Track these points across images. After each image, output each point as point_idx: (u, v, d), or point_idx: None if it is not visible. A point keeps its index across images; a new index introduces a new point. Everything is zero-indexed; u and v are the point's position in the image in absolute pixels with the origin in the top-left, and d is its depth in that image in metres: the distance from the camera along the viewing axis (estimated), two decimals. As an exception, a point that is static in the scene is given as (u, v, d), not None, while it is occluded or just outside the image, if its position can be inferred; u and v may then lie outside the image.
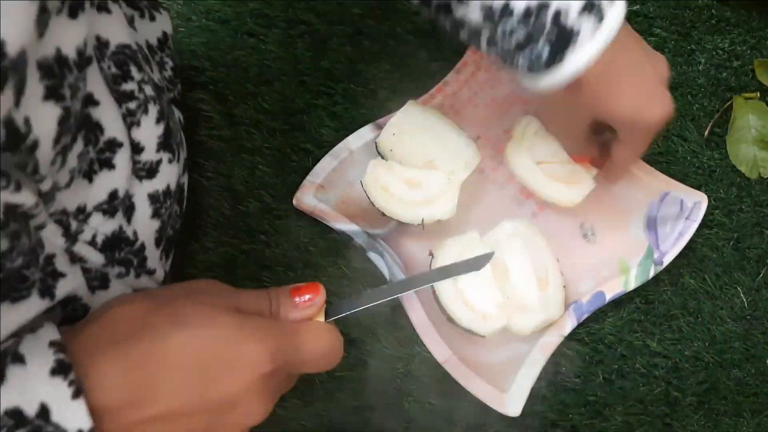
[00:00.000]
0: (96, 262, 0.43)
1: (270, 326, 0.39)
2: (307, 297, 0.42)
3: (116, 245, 0.44)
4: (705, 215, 0.60)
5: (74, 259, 0.41)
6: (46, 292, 0.38)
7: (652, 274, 0.58)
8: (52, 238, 0.39)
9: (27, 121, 0.32)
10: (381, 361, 0.57)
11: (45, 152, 0.34)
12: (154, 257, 0.48)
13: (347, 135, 0.61)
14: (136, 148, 0.45)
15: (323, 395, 0.57)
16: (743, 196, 0.62)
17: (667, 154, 0.63)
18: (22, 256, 0.35)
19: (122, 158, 0.43)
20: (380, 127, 0.61)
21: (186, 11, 0.67)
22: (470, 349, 0.57)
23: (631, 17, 0.67)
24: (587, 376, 0.57)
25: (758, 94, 0.64)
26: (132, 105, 0.44)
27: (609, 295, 0.57)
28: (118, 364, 0.35)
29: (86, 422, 0.33)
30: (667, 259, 0.58)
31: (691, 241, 0.60)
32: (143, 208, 0.46)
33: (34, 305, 0.37)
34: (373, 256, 0.58)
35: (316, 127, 0.63)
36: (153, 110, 0.46)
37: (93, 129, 0.41)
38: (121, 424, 0.35)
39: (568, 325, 0.57)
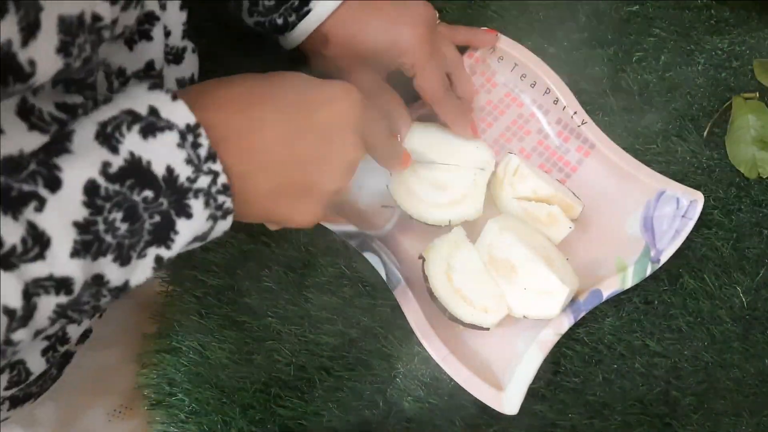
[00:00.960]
0: None
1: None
2: None
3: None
4: (704, 215, 0.60)
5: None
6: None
7: (649, 272, 0.58)
8: (100, 88, 0.42)
9: None
10: (381, 361, 0.57)
11: None
12: None
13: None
14: (165, 32, 0.47)
15: (323, 395, 0.57)
16: (742, 196, 0.62)
17: (667, 154, 0.63)
18: (81, 91, 0.40)
19: (158, 33, 0.45)
20: None
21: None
22: (468, 348, 0.57)
23: (630, 17, 0.67)
24: (587, 375, 0.57)
25: (757, 95, 0.64)
26: None
27: (606, 294, 0.57)
28: (226, 101, 0.41)
29: (191, 117, 0.37)
30: (664, 258, 0.58)
31: (690, 241, 0.60)
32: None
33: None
34: (369, 256, 0.58)
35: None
36: None
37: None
38: (234, 150, 0.40)
39: (565, 323, 0.57)
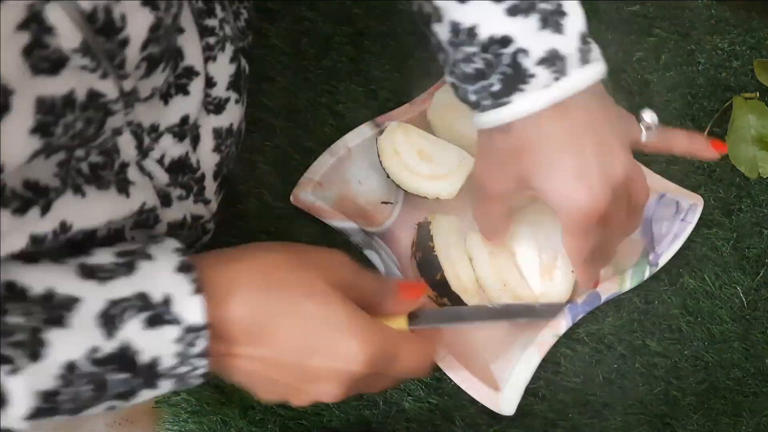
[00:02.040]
0: (161, 180, 0.46)
1: (377, 331, 0.42)
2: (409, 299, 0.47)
3: (181, 169, 0.47)
4: (704, 215, 0.60)
5: (144, 173, 0.44)
6: (123, 190, 0.41)
7: (647, 275, 0.58)
8: (127, 148, 0.42)
9: (123, 17, 0.34)
10: (381, 360, 0.57)
11: (133, 52, 0.36)
12: (210, 188, 0.51)
13: (348, 134, 0.62)
14: (209, 82, 0.47)
15: (323, 394, 0.57)
16: (742, 196, 0.62)
17: (667, 154, 0.63)
18: (101, 154, 0.40)
19: (196, 87, 0.45)
20: (378, 125, 0.61)
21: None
22: (466, 348, 0.57)
23: (630, 17, 0.67)
24: (587, 375, 0.57)
25: (757, 94, 0.64)
26: (211, 40, 0.47)
27: (604, 296, 0.57)
28: (251, 301, 0.40)
29: (201, 318, 0.37)
30: (662, 261, 0.58)
31: (690, 240, 0.60)
32: (207, 140, 0.49)
33: (113, 199, 0.40)
34: (369, 253, 0.58)
35: (319, 125, 0.63)
36: (228, 49, 0.49)
37: (175, 54, 0.43)
38: (231, 352, 0.40)
39: (563, 325, 0.57)
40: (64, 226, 0.37)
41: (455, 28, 0.43)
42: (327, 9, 0.67)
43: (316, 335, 0.40)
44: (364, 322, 0.41)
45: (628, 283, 0.58)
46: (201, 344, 0.37)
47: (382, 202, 0.60)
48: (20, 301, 0.34)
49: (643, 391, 0.57)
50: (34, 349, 0.34)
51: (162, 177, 0.46)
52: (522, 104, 0.42)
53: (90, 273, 0.37)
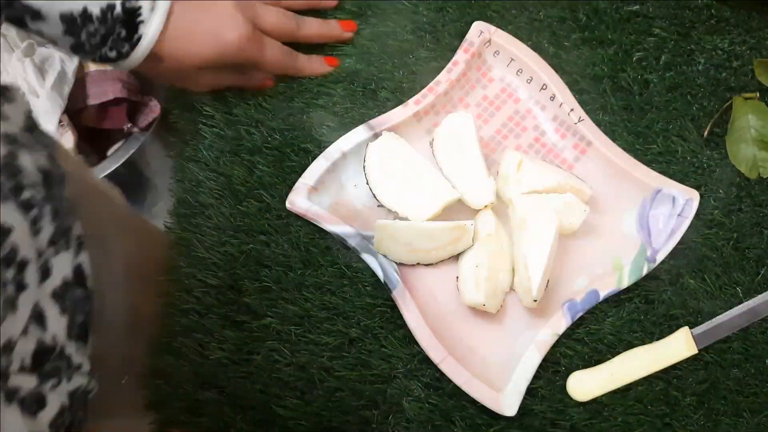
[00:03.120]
0: (29, 385, 0.43)
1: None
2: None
3: (42, 357, 0.44)
4: (704, 215, 0.60)
5: (10, 397, 0.41)
6: None
7: (645, 271, 0.58)
8: None
9: None
10: (381, 360, 0.57)
11: None
12: (73, 351, 0.48)
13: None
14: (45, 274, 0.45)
15: (323, 395, 0.57)
16: (743, 196, 0.62)
17: (667, 154, 0.63)
18: None
19: (31, 276, 0.43)
20: (372, 128, 0.61)
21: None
22: (466, 350, 0.57)
23: (630, 17, 0.67)
24: (587, 375, 0.57)
25: (758, 94, 0.64)
26: None
27: (603, 293, 0.57)
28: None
29: None
30: (660, 257, 0.58)
31: (691, 240, 0.60)
32: (50, 308, 0.46)
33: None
34: (366, 257, 0.58)
35: (317, 126, 0.63)
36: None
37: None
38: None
39: (563, 324, 0.57)
40: None
41: (68, 18, 0.51)
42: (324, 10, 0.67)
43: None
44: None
45: (626, 280, 0.58)
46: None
47: (378, 206, 0.60)
48: None
49: (642, 391, 0.57)
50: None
51: (29, 383, 0.43)
52: (151, 30, 0.55)
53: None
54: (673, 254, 0.59)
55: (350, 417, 0.56)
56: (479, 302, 0.56)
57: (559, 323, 0.57)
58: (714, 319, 0.57)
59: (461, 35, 0.65)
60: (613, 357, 0.57)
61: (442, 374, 0.55)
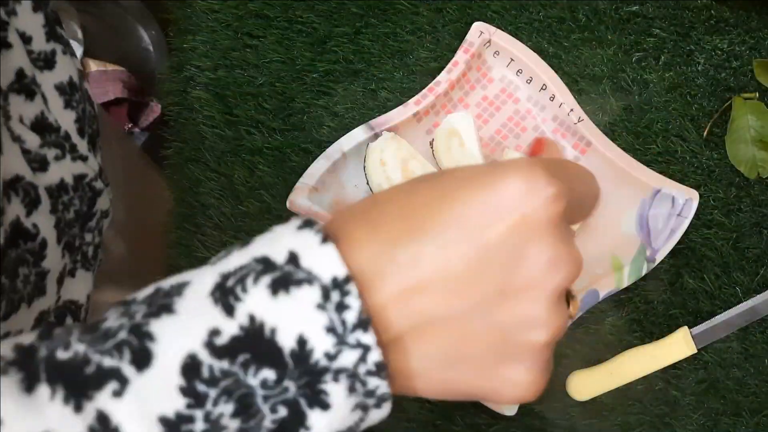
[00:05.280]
0: (33, 143, 0.42)
1: (522, 161, 0.30)
2: None
3: (45, 128, 0.44)
4: (704, 215, 0.60)
5: (13, 137, 0.40)
6: None
7: (644, 271, 0.58)
8: None
9: None
10: (381, 360, 0.57)
11: None
12: (82, 146, 0.47)
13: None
14: (24, 38, 0.43)
15: (323, 395, 0.57)
16: (742, 196, 0.62)
17: (666, 154, 0.63)
18: None
19: (14, 36, 0.41)
20: (373, 129, 0.61)
21: (186, 12, 0.68)
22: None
23: (630, 17, 0.67)
24: (587, 375, 0.57)
25: (757, 95, 0.64)
26: None
27: (602, 293, 0.58)
28: (369, 223, 0.29)
29: (340, 268, 0.27)
30: (659, 257, 0.58)
31: (690, 241, 0.60)
32: (54, 99, 0.46)
33: None
34: None
35: (317, 127, 0.63)
36: (26, 1, 0.43)
37: None
38: (385, 294, 0.28)
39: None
40: None
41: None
42: (324, 10, 0.67)
43: (464, 206, 0.28)
44: (503, 163, 0.29)
45: (626, 280, 0.58)
46: (354, 304, 0.26)
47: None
48: (124, 305, 0.28)
49: (642, 390, 0.57)
50: (141, 346, 0.25)
51: (32, 138, 0.42)
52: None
53: (201, 263, 0.29)
54: (672, 254, 0.59)
55: (350, 417, 0.56)
56: None
57: (559, 323, 0.57)
58: (713, 319, 0.57)
59: (461, 35, 0.65)
60: (613, 357, 0.57)
61: (442, 374, 0.55)
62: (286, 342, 0.26)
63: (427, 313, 0.28)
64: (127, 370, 0.25)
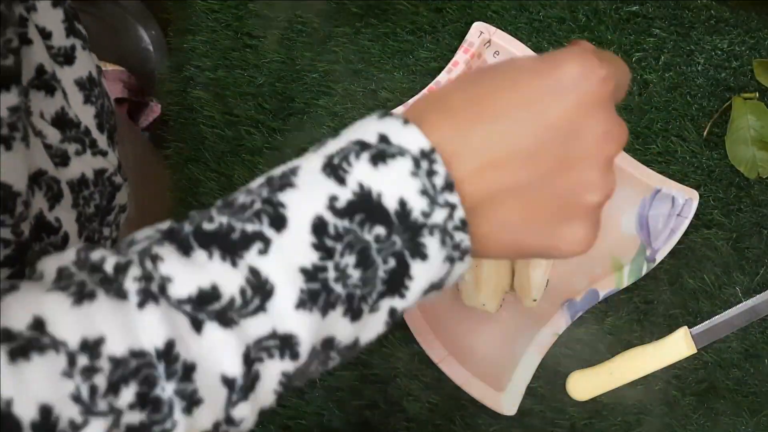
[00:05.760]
0: (54, 138, 0.43)
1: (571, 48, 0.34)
2: None
3: (65, 124, 0.44)
4: (704, 215, 0.60)
5: (35, 132, 0.41)
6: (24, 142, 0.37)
7: (644, 271, 0.58)
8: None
9: None
10: (381, 360, 0.57)
11: None
12: (102, 141, 0.48)
13: (347, 135, 0.62)
14: (44, 33, 0.44)
15: (323, 395, 0.57)
16: (742, 196, 0.62)
17: (666, 154, 0.63)
18: None
19: (33, 32, 0.42)
20: None
21: (186, 12, 0.68)
22: (466, 349, 0.57)
23: (630, 17, 0.67)
24: (587, 375, 0.57)
25: (757, 95, 0.64)
26: None
27: (602, 293, 0.58)
28: (442, 111, 0.33)
29: (425, 142, 0.32)
30: (659, 256, 0.58)
31: (690, 240, 0.60)
32: (74, 94, 0.46)
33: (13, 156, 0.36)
34: None
35: (317, 127, 0.63)
36: None
37: None
38: (466, 171, 0.32)
39: (563, 323, 0.57)
40: None
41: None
42: (324, 10, 0.67)
43: (527, 90, 0.33)
44: (559, 52, 0.34)
45: (626, 280, 0.58)
46: (440, 170, 0.31)
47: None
48: (244, 191, 0.32)
49: (642, 391, 0.57)
50: (276, 213, 0.30)
51: (53, 134, 0.43)
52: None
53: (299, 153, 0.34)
54: (672, 254, 0.59)
55: (350, 416, 0.56)
56: (479, 302, 0.56)
57: (559, 323, 0.57)
58: (713, 319, 0.57)
59: (461, 36, 0.65)
60: (613, 357, 0.57)
61: (442, 374, 0.55)
62: (390, 204, 0.31)
63: (498, 185, 0.33)
64: (268, 232, 0.30)
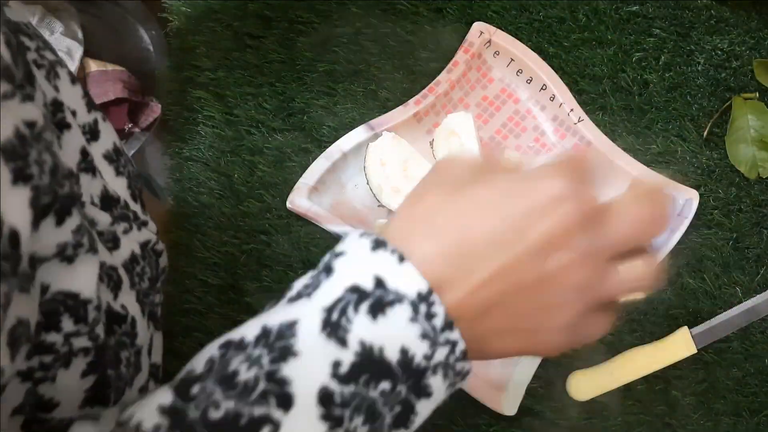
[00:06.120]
0: (104, 222, 0.43)
1: (552, 164, 0.35)
2: None
3: (110, 203, 0.44)
4: (704, 215, 0.60)
5: (90, 223, 0.41)
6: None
7: None
8: None
9: None
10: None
11: None
12: (138, 210, 0.48)
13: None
14: (70, 111, 0.44)
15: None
16: (742, 196, 0.62)
17: (666, 154, 0.63)
18: None
19: (69, 115, 0.42)
20: (372, 128, 0.61)
21: (187, 11, 0.68)
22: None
23: (630, 17, 0.67)
24: (587, 375, 0.57)
25: (757, 95, 0.64)
26: (42, 72, 0.41)
27: None
28: (430, 236, 0.34)
29: (422, 283, 0.32)
30: (660, 256, 0.58)
31: (691, 241, 0.60)
32: (105, 168, 0.46)
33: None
34: None
35: (317, 126, 0.63)
36: (63, 73, 0.43)
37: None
38: (458, 297, 0.33)
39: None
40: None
41: None
42: (324, 10, 0.67)
43: (508, 203, 0.34)
44: (534, 171, 0.35)
45: None
46: (439, 311, 0.32)
47: (378, 206, 0.60)
48: (240, 351, 0.31)
49: (642, 390, 0.57)
50: (282, 392, 0.30)
51: (104, 218, 0.43)
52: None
53: (294, 297, 0.33)
54: (672, 254, 0.59)
55: (350, 417, 0.56)
56: None
57: (559, 323, 0.57)
58: (713, 319, 0.57)
59: (461, 35, 0.65)
60: (613, 357, 0.57)
61: (442, 374, 0.55)
62: (393, 356, 0.31)
63: (489, 302, 0.34)
64: (276, 413, 0.30)
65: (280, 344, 0.31)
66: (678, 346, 0.56)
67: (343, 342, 0.31)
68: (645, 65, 0.66)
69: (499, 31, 0.64)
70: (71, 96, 0.44)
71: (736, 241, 0.61)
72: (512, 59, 0.64)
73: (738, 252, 0.61)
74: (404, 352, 0.32)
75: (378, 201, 0.60)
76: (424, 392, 0.33)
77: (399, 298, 0.32)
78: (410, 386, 0.32)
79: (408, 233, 0.34)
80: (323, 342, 0.31)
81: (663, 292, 0.59)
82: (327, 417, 0.30)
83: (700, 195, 0.60)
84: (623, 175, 0.61)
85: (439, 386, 0.33)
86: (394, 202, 0.59)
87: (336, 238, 0.60)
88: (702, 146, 0.63)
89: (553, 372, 0.57)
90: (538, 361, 0.56)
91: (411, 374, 0.32)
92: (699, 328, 0.57)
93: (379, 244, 0.33)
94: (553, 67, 0.64)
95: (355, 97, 0.65)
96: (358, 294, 0.32)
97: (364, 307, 0.32)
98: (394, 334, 0.31)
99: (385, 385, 0.31)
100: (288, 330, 0.32)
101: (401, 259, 0.32)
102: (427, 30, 0.66)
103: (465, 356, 0.33)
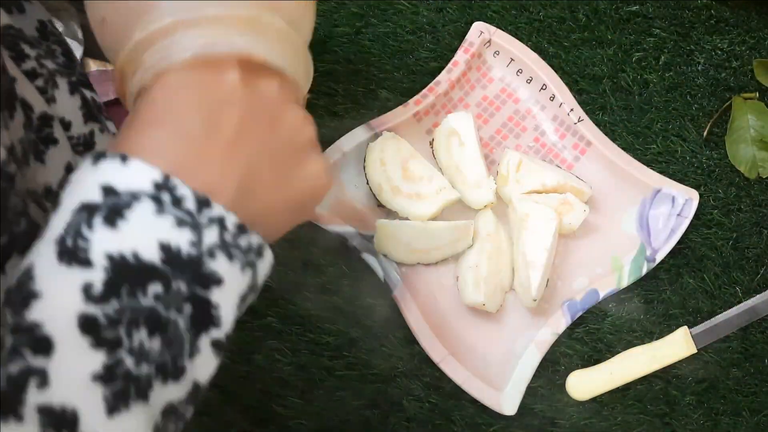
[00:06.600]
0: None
1: None
2: None
3: None
4: (704, 215, 0.60)
5: None
6: None
7: (644, 271, 0.58)
8: (39, 221, 0.37)
9: None
10: (381, 360, 0.57)
11: None
12: None
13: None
14: (63, 123, 0.42)
15: (323, 395, 0.57)
16: (742, 196, 0.62)
17: (666, 154, 0.63)
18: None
19: (59, 131, 0.41)
20: (372, 128, 0.61)
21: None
22: (466, 349, 0.57)
23: (630, 17, 0.67)
24: (587, 375, 0.57)
25: (757, 95, 0.64)
26: (39, 82, 0.40)
27: (602, 293, 0.58)
28: (159, 130, 0.32)
29: (154, 172, 0.30)
30: (659, 256, 0.58)
31: (690, 240, 0.60)
32: None
33: None
34: (367, 257, 0.59)
35: (318, 127, 0.63)
36: (62, 83, 0.43)
37: (23, 108, 0.37)
38: (208, 172, 0.31)
39: (563, 323, 0.57)
40: None
41: None
42: (324, 10, 0.67)
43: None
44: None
45: (626, 280, 0.58)
46: (186, 192, 0.30)
47: (378, 206, 0.60)
48: None
49: (642, 390, 0.57)
50: (33, 338, 0.27)
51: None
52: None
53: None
54: (672, 254, 0.59)
55: (350, 416, 0.56)
56: (479, 302, 0.56)
57: (559, 323, 0.57)
58: (713, 319, 0.57)
59: (461, 35, 0.65)
60: (613, 356, 0.57)
61: (442, 374, 0.55)
62: (153, 256, 0.29)
63: (238, 167, 0.32)
64: (36, 362, 0.26)
65: (20, 295, 0.28)
66: (678, 345, 0.56)
67: (87, 263, 0.28)
68: (645, 65, 0.66)
69: (499, 30, 0.64)
70: (68, 106, 0.43)
71: (736, 240, 0.61)
72: (512, 59, 0.64)
73: (738, 252, 0.61)
74: (165, 247, 0.29)
75: (378, 201, 0.60)
76: (213, 280, 0.30)
77: (136, 196, 0.29)
78: (190, 280, 0.29)
79: (135, 136, 0.32)
80: (64, 271, 0.28)
81: (662, 292, 0.59)
82: (99, 343, 0.27)
83: (700, 195, 0.60)
84: (624, 175, 0.61)
85: (228, 270, 0.30)
86: (394, 202, 0.59)
87: (336, 238, 0.60)
88: (702, 146, 0.63)
89: (553, 372, 0.57)
90: (538, 361, 0.56)
91: (184, 267, 0.29)
92: (699, 328, 0.57)
93: (99, 156, 0.30)
94: (553, 67, 0.64)
95: (355, 96, 0.65)
96: (87, 211, 0.29)
97: (98, 220, 0.29)
98: (144, 234, 0.29)
99: (155, 288, 0.29)
100: (25, 277, 0.28)
101: (123, 159, 0.30)
102: (427, 30, 0.67)
103: (243, 229, 0.31)
